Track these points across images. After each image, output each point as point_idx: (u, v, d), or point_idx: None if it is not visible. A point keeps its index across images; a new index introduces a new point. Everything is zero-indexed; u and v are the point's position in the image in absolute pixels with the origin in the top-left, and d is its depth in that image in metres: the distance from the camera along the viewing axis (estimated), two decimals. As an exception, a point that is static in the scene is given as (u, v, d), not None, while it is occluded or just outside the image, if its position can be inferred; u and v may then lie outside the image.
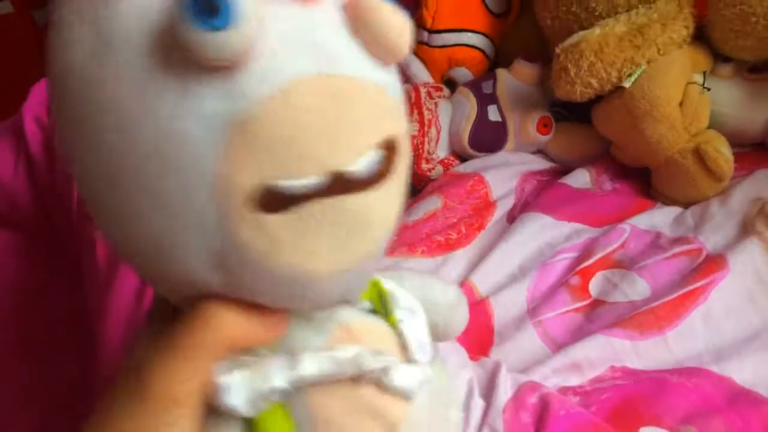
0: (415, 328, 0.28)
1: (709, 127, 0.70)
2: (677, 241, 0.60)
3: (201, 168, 0.20)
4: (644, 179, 0.74)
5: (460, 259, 0.65)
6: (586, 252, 0.61)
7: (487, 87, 0.81)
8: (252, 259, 0.21)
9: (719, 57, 0.71)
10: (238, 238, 0.21)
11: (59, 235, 0.70)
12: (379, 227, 0.23)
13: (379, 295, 0.29)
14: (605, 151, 0.77)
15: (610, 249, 0.61)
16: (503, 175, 0.75)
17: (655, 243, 0.61)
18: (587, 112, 0.76)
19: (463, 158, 0.83)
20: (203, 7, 0.18)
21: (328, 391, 0.25)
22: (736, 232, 0.59)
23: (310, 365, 0.24)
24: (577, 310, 0.57)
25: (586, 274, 0.59)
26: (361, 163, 0.22)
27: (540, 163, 0.79)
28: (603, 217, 0.67)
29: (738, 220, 0.61)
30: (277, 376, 0.23)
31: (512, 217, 0.70)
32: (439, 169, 0.80)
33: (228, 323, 0.23)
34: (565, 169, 0.78)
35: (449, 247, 0.66)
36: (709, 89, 0.70)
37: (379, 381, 0.25)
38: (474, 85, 0.83)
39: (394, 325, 0.28)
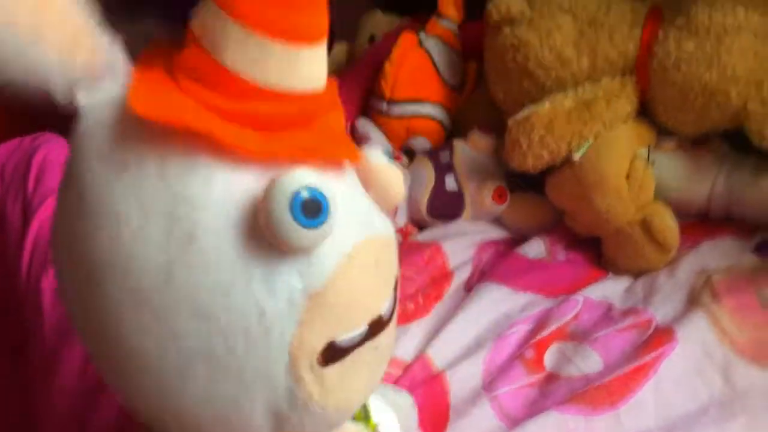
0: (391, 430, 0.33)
1: (656, 198, 0.72)
2: (628, 312, 0.62)
3: (283, 340, 0.22)
4: (597, 248, 0.75)
5: (417, 330, 0.65)
6: (541, 323, 0.62)
7: (444, 157, 0.83)
8: (308, 407, 0.24)
9: (663, 131, 0.75)
10: (303, 394, 0.23)
11: (4, 300, 0.68)
12: (392, 352, 0.27)
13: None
14: (559, 220, 0.79)
15: (563, 321, 0.62)
16: (461, 244, 0.77)
17: (607, 315, 0.62)
18: (542, 183, 0.78)
19: (421, 226, 0.84)
20: (310, 210, 0.20)
21: None
22: (684, 304, 0.61)
23: None
24: (531, 384, 0.57)
25: (541, 347, 0.60)
26: (387, 304, 0.25)
27: (497, 232, 0.81)
28: (557, 287, 0.68)
29: (685, 292, 0.63)
30: None
31: (470, 287, 0.71)
32: (398, 237, 0.80)
33: None
34: (521, 238, 0.80)
35: (407, 318, 0.66)
36: (653, 162, 0.72)
37: None
38: (432, 155, 0.85)
39: (373, 429, 0.32)
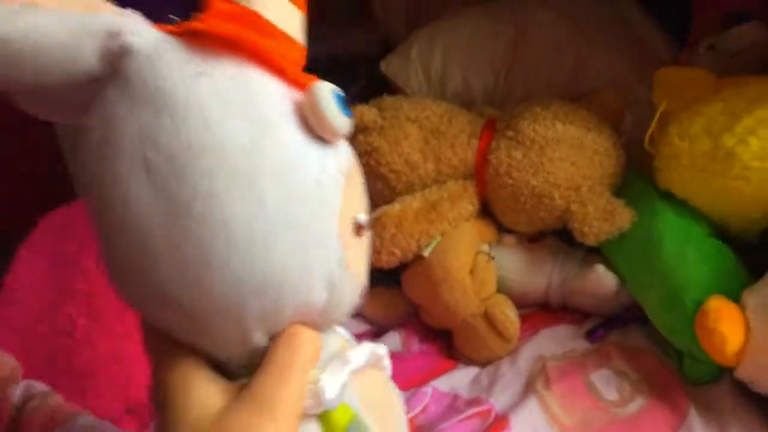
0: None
1: (499, 291, 0.78)
2: (471, 402, 0.65)
3: (334, 208, 0.28)
4: (450, 340, 0.80)
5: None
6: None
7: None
8: (351, 273, 0.29)
9: (503, 229, 0.82)
10: (347, 259, 0.29)
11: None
12: None
13: None
14: (416, 312, 0.83)
15: (412, 414, 0.64)
16: (319, 340, 0.78)
17: (453, 405, 0.65)
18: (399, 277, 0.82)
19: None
20: (343, 105, 0.28)
21: (360, 377, 0.31)
22: (521, 392, 0.65)
23: (355, 359, 0.30)
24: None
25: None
26: None
27: (356, 326, 0.83)
28: (410, 380, 0.71)
29: (524, 379, 0.68)
30: (344, 370, 0.29)
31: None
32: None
33: (315, 339, 0.28)
34: (379, 331, 0.82)
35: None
36: (493, 258, 0.79)
37: (380, 364, 0.33)
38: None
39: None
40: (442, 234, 0.77)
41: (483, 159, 0.79)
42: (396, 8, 1.22)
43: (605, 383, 0.65)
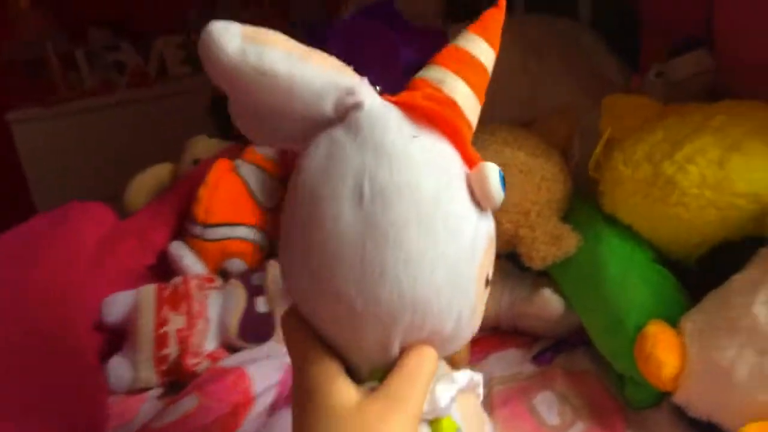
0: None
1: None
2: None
3: (478, 262, 0.35)
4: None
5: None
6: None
7: (256, 278, 0.85)
8: (476, 316, 0.37)
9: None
10: (476, 305, 0.36)
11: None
12: None
13: None
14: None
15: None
16: (267, 367, 0.77)
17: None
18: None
19: (233, 350, 0.84)
20: (504, 182, 0.35)
21: (460, 398, 0.38)
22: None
23: (460, 380, 0.37)
24: None
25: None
26: None
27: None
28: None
29: (469, 404, 0.67)
30: (453, 386, 0.36)
31: (272, 411, 0.71)
32: (206, 363, 0.79)
33: (436, 357, 0.35)
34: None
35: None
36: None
37: (476, 390, 0.39)
38: (244, 277, 0.86)
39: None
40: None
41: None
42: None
43: (547, 408, 0.65)
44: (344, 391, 0.33)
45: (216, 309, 0.84)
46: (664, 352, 0.57)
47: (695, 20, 0.94)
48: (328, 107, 0.34)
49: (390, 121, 0.34)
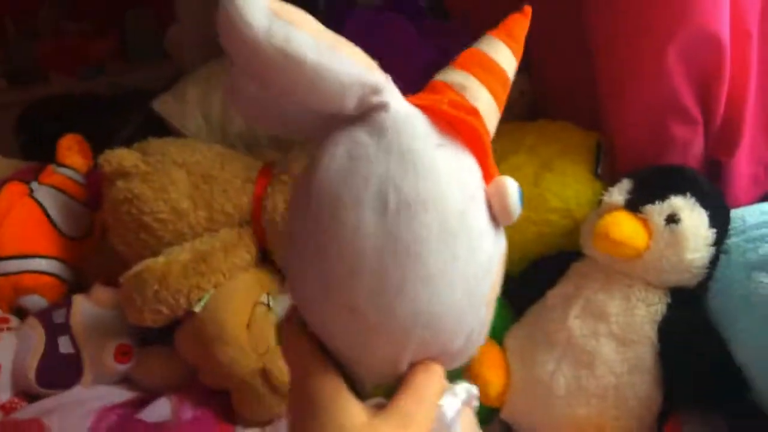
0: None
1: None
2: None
3: (491, 280, 0.33)
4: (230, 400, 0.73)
5: None
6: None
7: (58, 316, 0.75)
8: (483, 332, 0.35)
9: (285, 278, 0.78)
10: (486, 323, 0.34)
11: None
12: None
13: None
14: (194, 373, 0.75)
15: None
16: (72, 415, 0.68)
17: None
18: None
19: (34, 398, 0.73)
20: (522, 197, 0.33)
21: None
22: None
23: (460, 392, 0.35)
24: None
25: None
26: None
27: (119, 395, 0.74)
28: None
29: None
30: (456, 400, 0.34)
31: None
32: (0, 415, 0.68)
33: (443, 373, 0.34)
34: (148, 398, 0.74)
35: None
36: (271, 308, 0.74)
37: (472, 402, 0.37)
38: (44, 315, 0.76)
39: None
40: (216, 286, 0.71)
41: (259, 205, 0.75)
42: (190, 45, 1.17)
43: None
44: (352, 409, 0.32)
45: (10, 353, 0.73)
46: (489, 370, 0.58)
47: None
48: (350, 104, 0.31)
49: (417, 128, 0.32)
